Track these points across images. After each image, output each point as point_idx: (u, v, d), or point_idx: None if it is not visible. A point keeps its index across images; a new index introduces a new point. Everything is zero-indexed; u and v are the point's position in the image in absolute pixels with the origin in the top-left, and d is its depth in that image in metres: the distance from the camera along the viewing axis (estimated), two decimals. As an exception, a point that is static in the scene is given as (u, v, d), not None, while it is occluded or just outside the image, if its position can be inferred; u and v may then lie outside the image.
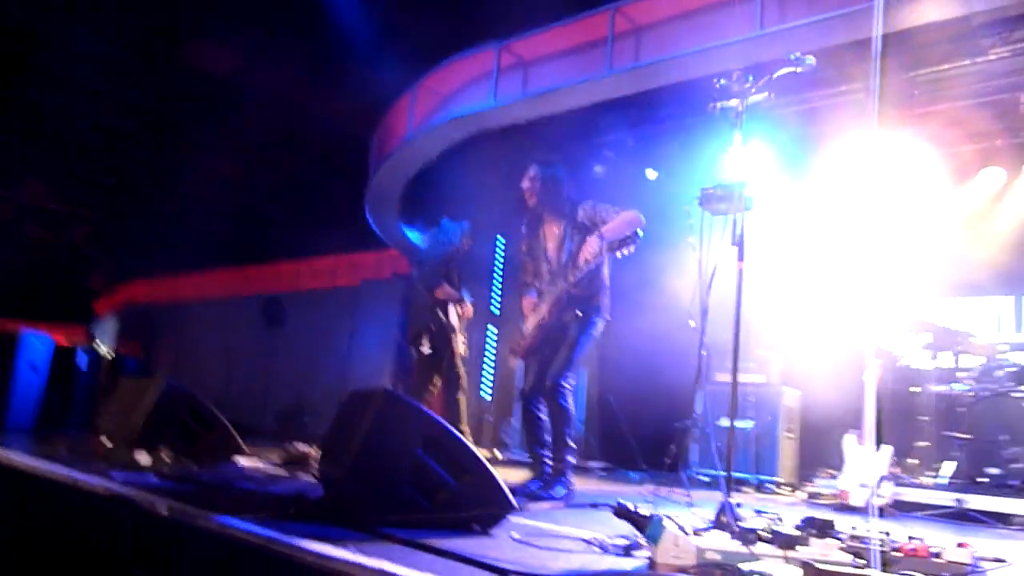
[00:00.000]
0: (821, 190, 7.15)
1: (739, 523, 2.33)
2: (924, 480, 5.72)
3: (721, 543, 2.05)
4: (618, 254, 4.04)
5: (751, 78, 2.88)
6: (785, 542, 2.03)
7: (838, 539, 2.12)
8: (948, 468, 5.70)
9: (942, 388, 6.06)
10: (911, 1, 5.20)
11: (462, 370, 5.64)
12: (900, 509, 5.14)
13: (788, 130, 7.07)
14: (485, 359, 9.00)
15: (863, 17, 5.27)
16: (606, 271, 4.15)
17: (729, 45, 5.06)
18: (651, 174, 8.23)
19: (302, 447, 4.52)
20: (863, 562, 2.06)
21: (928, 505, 5.17)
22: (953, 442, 5.66)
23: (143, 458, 3.42)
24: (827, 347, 6.40)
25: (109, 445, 3.61)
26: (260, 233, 12.96)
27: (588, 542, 2.42)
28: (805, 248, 7.36)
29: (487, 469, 2.48)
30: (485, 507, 2.46)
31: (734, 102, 2.70)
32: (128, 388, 4.06)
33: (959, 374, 5.99)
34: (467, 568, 1.84)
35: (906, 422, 6.29)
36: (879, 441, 5.24)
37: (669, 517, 2.14)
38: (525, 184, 4.33)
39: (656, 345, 7.54)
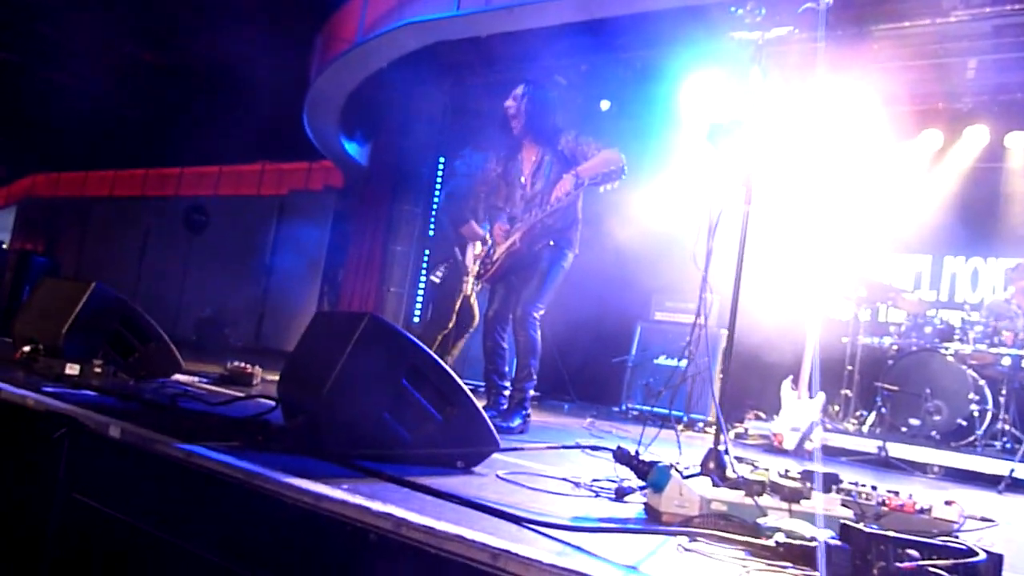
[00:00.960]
0: (772, 134, 7.14)
1: (731, 472, 2.28)
2: (848, 427, 5.98)
3: (727, 494, 1.99)
4: (601, 189, 3.89)
5: (763, 10, 2.72)
6: (789, 495, 1.98)
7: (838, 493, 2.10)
8: (871, 417, 5.97)
9: (871, 340, 6.29)
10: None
11: (476, 311, 5.52)
12: (826, 454, 5.36)
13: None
14: (420, 282, 8.79)
15: None
16: (579, 204, 4.00)
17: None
18: (604, 105, 8.05)
19: (241, 364, 4.27)
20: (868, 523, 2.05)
21: (852, 451, 5.40)
22: (879, 392, 5.92)
23: (72, 369, 3.11)
24: (763, 291, 6.50)
25: (29, 352, 3.26)
26: (180, 131, 12.12)
27: (576, 484, 2.34)
28: (761, 191, 7.41)
29: (473, 404, 2.34)
30: (470, 443, 2.32)
31: (755, 34, 2.54)
32: (50, 290, 3.67)
33: (889, 328, 6.24)
34: (475, 513, 1.71)
35: (833, 371, 6.53)
36: (813, 388, 5.40)
37: (673, 465, 2.07)
38: (509, 103, 4.04)
39: (597, 280, 7.53)
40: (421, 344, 2.28)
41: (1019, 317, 5.73)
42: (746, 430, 6.11)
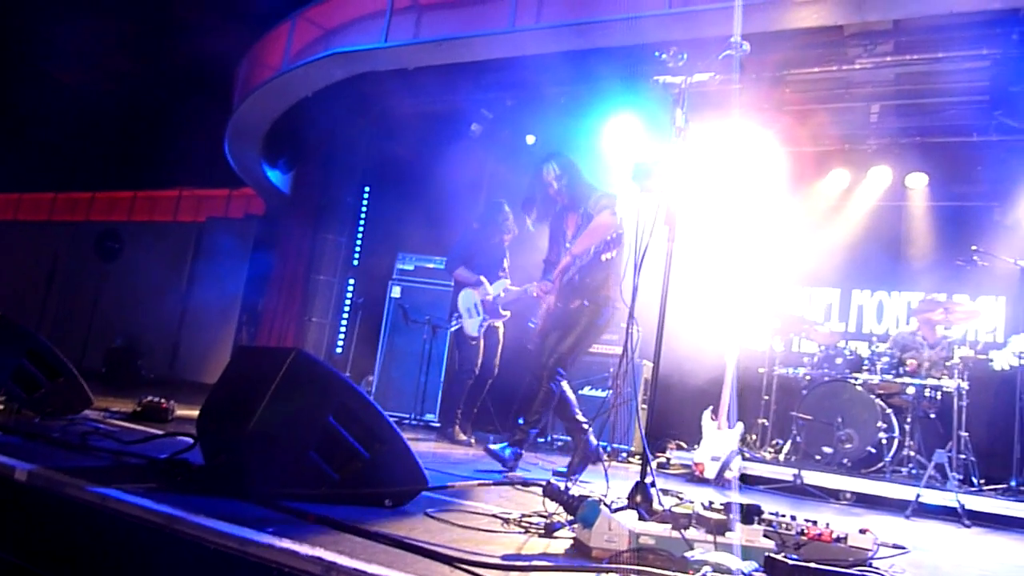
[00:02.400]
0: (697, 175, 7.40)
1: (661, 505, 2.32)
2: (766, 455, 6.16)
3: (654, 528, 2.02)
4: (603, 258, 4.01)
5: (685, 55, 2.84)
6: (715, 527, 2.03)
7: (760, 524, 2.15)
8: (786, 445, 6.17)
9: (786, 371, 6.53)
10: (794, 5, 5.42)
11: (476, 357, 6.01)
12: (745, 482, 5.50)
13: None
14: (344, 314, 8.64)
15: (762, 9, 5.44)
16: (614, 259, 4.07)
17: (635, 19, 5.04)
18: (530, 139, 8.18)
19: (155, 399, 4.09)
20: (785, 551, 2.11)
21: (769, 479, 5.56)
22: (794, 421, 6.13)
23: (-30, 407, 2.92)
24: (683, 324, 6.67)
25: (-78, 388, 3.05)
26: (93, 154, 11.65)
27: (506, 520, 2.33)
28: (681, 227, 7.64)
29: (402, 441, 2.31)
30: (399, 481, 2.29)
31: (679, 79, 2.64)
32: (-54, 321, 3.44)
33: (803, 359, 6.49)
34: (407, 554, 1.68)
35: (751, 400, 6.74)
36: (732, 418, 5.56)
37: (602, 500, 2.08)
38: (550, 181, 4.35)
39: (523, 312, 7.57)
40: (349, 380, 2.24)
41: (923, 348, 6.07)
42: (668, 460, 6.22)
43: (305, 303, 8.84)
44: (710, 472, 5.39)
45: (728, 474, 5.36)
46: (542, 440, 7.03)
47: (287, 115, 7.52)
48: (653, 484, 2.47)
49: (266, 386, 2.14)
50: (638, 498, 2.41)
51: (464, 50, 5.98)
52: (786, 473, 5.53)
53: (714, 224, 7.22)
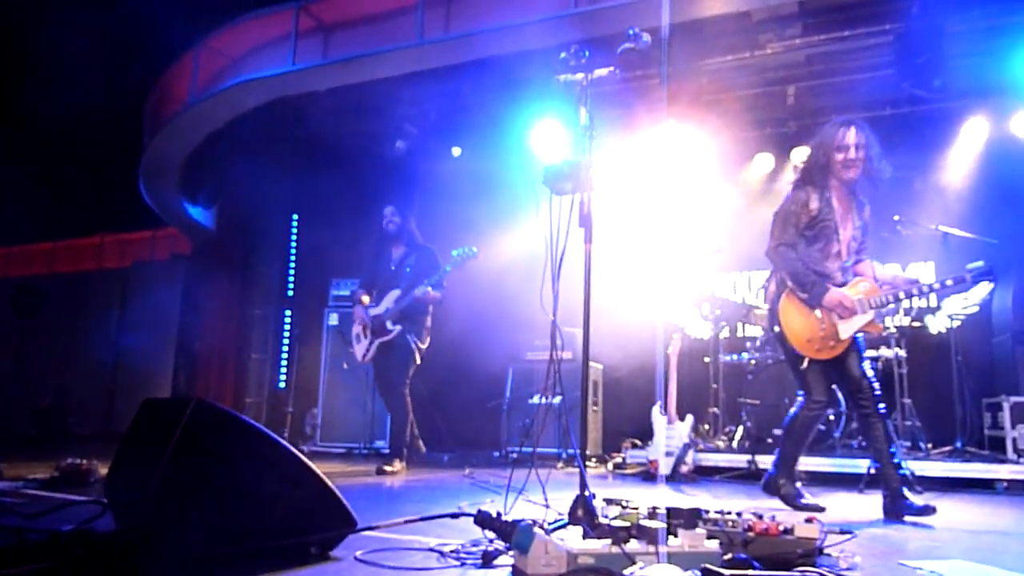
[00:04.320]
0: (622, 170, 7.42)
1: (600, 518, 2.23)
2: (718, 444, 6.16)
3: (592, 545, 1.92)
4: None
5: (587, 52, 2.77)
6: (654, 538, 1.94)
7: (703, 527, 2.08)
8: (738, 431, 6.18)
9: (731, 358, 6.55)
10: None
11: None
12: (701, 474, 5.48)
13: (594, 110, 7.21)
14: (283, 346, 8.39)
15: (670, 1, 5.45)
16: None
17: (544, 21, 4.99)
18: (456, 151, 8.09)
19: (76, 460, 3.84)
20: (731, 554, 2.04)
21: (725, 468, 5.55)
22: (742, 407, 6.14)
23: None
24: (626, 323, 6.65)
25: None
26: (6, 207, 11.12)
27: (441, 553, 2.21)
28: (606, 226, 7.63)
29: (323, 482, 2.16)
30: (324, 526, 2.15)
31: (579, 76, 2.58)
32: None
33: (747, 344, 6.52)
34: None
35: (700, 390, 6.75)
36: (681, 411, 5.53)
37: (535, 522, 1.98)
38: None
39: (467, 326, 7.46)
40: (258, 425, 2.09)
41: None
42: (624, 460, 6.17)
43: (242, 340, 8.57)
44: (665, 468, 5.35)
45: (683, 468, 5.33)
46: (497, 454, 6.91)
47: (202, 148, 7.27)
48: (594, 496, 2.38)
49: (164, 443, 1.98)
50: (580, 512, 2.31)
51: (375, 67, 5.85)
52: (740, 460, 5.53)
53: (646, 219, 7.23)
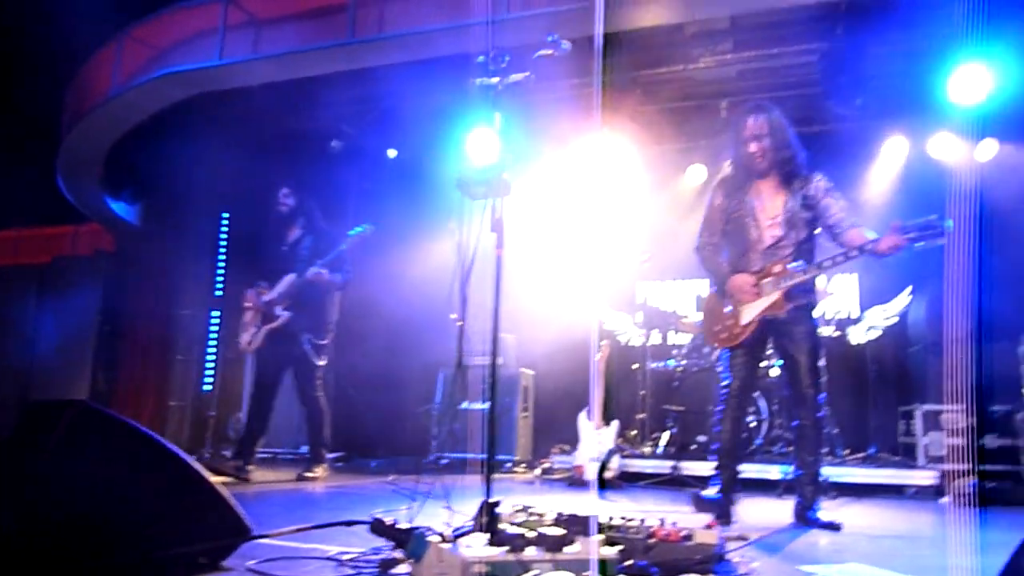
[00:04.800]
0: (554, 178, 7.47)
1: (504, 525, 2.21)
2: (645, 450, 6.23)
3: (488, 552, 1.90)
4: None
5: (507, 57, 2.77)
6: (552, 544, 1.93)
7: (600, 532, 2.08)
8: (664, 438, 6.26)
9: (658, 365, 6.64)
10: (633, 5, 5.51)
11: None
12: (626, 480, 5.53)
13: (529, 115, 7.23)
14: (210, 348, 8.16)
15: (588, 14, 5.49)
16: None
17: (474, 25, 4.97)
18: (391, 153, 8.01)
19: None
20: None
21: (650, 474, 5.60)
22: (668, 414, 6.22)
23: None
24: (557, 329, 6.68)
25: None
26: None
27: (339, 562, 2.16)
28: (537, 233, 7.68)
29: (213, 489, 2.09)
30: (214, 534, 2.07)
31: (494, 80, 2.57)
32: None
33: (673, 351, 6.62)
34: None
35: (628, 397, 6.82)
36: (607, 417, 5.57)
37: (431, 529, 1.95)
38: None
39: (398, 329, 7.39)
40: (146, 430, 2.01)
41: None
42: (551, 465, 6.18)
43: (167, 341, 8.30)
44: (590, 473, 5.38)
45: (608, 473, 5.36)
46: (426, 460, 6.85)
47: (125, 142, 7.02)
48: (499, 502, 2.36)
49: (45, 448, 1.89)
50: (484, 519, 2.28)
51: (307, 64, 5.74)
52: (665, 466, 5.60)
53: (579, 226, 7.28)
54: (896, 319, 7.47)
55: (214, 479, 2.15)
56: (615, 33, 6.11)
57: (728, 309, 3.63)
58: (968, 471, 5.70)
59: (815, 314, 3.68)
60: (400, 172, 7.64)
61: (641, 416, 6.59)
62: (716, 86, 7.31)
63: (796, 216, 3.58)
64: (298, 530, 2.37)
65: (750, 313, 3.55)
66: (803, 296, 3.58)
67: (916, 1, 5.57)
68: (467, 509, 2.93)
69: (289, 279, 5.24)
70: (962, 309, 6.45)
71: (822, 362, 3.73)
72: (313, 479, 5.25)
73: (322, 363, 5.37)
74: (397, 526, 2.05)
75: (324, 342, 5.36)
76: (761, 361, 3.85)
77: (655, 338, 7.04)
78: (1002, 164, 7.00)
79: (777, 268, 3.51)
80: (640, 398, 6.63)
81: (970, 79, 5.70)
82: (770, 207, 3.63)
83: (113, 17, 6.30)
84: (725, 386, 3.69)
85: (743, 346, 3.61)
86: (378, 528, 2.06)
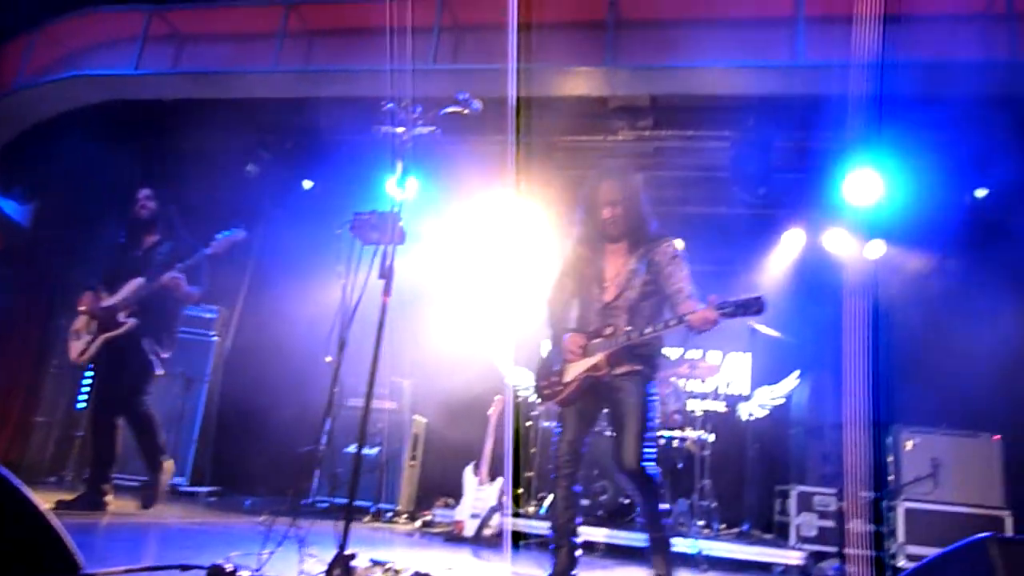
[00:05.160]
0: (467, 231, 7.53)
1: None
2: (529, 509, 6.19)
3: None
4: None
5: (420, 108, 2.81)
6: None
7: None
8: (550, 499, 6.25)
9: (551, 423, 6.65)
10: (559, 74, 5.69)
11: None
12: (505, 539, 5.47)
13: (443, 168, 7.30)
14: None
15: (529, 75, 5.64)
16: None
17: (398, 70, 5.00)
18: (307, 184, 7.90)
19: None
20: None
21: (531, 534, 5.56)
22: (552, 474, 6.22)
23: None
24: (456, 378, 6.66)
25: None
26: None
27: (172, 608, 2.04)
28: (446, 282, 7.70)
29: (43, 520, 1.95)
30: (40, 570, 1.93)
31: (400, 129, 2.58)
32: None
33: (564, 412, 6.65)
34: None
35: (520, 454, 6.80)
36: (494, 473, 5.54)
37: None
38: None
39: (290, 366, 7.18)
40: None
41: (670, 401, 6.45)
42: (433, 518, 6.07)
43: (43, 351, 7.80)
44: (469, 530, 5.31)
45: (487, 531, 5.30)
46: (306, 502, 6.61)
47: (24, 139, 6.69)
48: (356, 555, 2.29)
49: None
50: (336, 571, 2.21)
51: (226, 86, 5.65)
52: (546, 527, 5.56)
53: (485, 279, 7.33)
54: (782, 400, 7.78)
55: (49, 508, 2.01)
56: (542, 97, 6.28)
57: (556, 367, 3.60)
58: (835, 554, 5.92)
59: (650, 382, 3.53)
60: (313, 205, 7.54)
61: (529, 475, 6.57)
62: (634, 159, 7.56)
63: (636, 279, 3.55)
64: (128, 571, 2.23)
65: (573, 371, 3.51)
66: (635, 362, 3.48)
67: (819, 105, 5.93)
68: (329, 557, 2.84)
69: (137, 283, 4.80)
70: (848, 397, 6.79)
71: (654, 431, 3.54)
72: (157, 491, 4.90)
73: (160, 374, 5.04)
74: (238, 572, 1.96)
75: (166, 355, 5.00)
76: (593, 423, 3.70)
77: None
78: (889, 264, 7.48)
79: (608, 330, 3.46)
80: (530, 456, 6.62)
81: (862, 182, 6.10)
82: (613, 268, 3.62)
83: (26, 10, 6.05)
84: (555, 452, 3.59)
85: (568, 403, 3.56)
86: (214, 574, 1.96)
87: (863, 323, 6.80)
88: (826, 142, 6.51)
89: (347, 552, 2.30)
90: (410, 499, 6.82)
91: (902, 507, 5.70)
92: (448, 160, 7.38)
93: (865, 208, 6.35)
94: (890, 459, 6.02)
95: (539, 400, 3.70)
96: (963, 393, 6.28)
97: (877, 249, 7.36)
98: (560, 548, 3.46)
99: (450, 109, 2.66)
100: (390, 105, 2.67)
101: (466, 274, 7.38)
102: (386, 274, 2.44)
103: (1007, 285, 6.59)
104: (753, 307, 3.08)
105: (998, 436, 5.81)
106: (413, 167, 2.57)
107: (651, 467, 3.40)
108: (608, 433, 5.94)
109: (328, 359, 2.48)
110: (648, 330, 3.34)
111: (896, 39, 4.96)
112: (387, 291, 2.44)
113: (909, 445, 5.87)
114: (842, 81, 5.05)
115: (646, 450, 3.38)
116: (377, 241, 2.48)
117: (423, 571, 2.88)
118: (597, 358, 3.40)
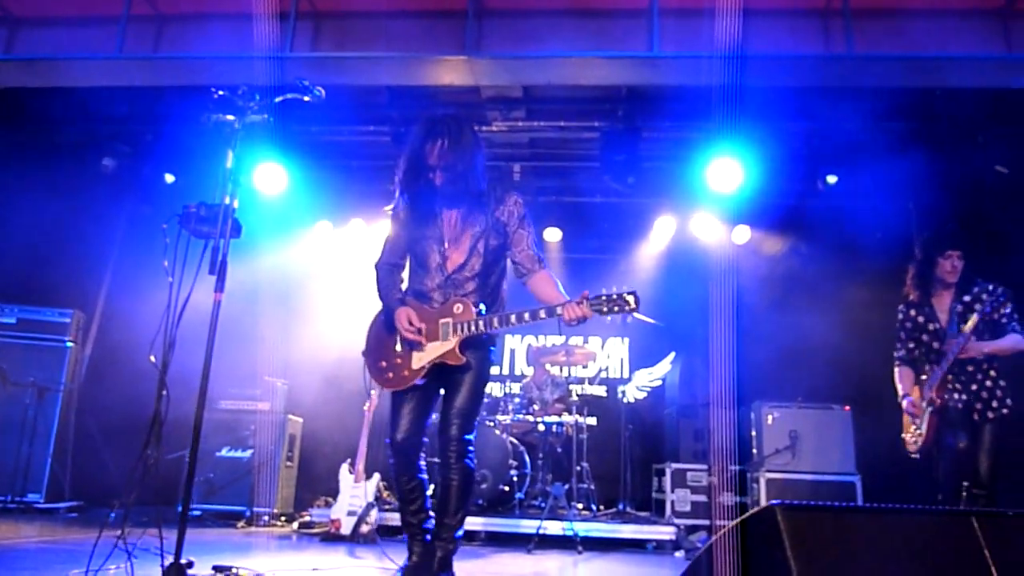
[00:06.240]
0: (333, 223, 7.39)
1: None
2: (407, 504, 6.14)
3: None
4: None
5: (258, 96, 2.70)
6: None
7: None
8: (431, 490, 6.22)
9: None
10: (431, 63, 5.63)
11: None
12: (384, 535, 5.40)
13: (318, 158, 7.12)
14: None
15: (402, 64, 5.55)
16: None
17: (266, 59, 4.82)
18: (169, 178, 7.52)
19: None
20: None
21: (407, 528, 5.51)
22: (434, 466, 6.20)
23: None
24: (332, 376, 6.52)
25: None
26: None
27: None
28: (316, 277, 7.54)
29: None
30: None
31: (231, 117, 2.47)
32: None
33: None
34: None
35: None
36: (370, 469, 5.46)
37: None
38: None
39: (154, 369, 6.81)
40: None
41: (545, 390, 6.55)
42: (311, 518, 5.93)
43: None
44: (346, 528, 5.21)
45: (364, 528, 5.22)
46: (197, 513, 6.26)
47: None
48: (191, 564, 2.19)
49: None
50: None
51: (67, 73, 5.26)
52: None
53: (357, 272, 7.23)
54: (660, 382, 8.06)
55: None
56: (414, 87, 6.21)
57: (399, 347, 3.15)
58: (706, 527, 6.20)
59: (491, 362, 3.23)
60: (176, 199, 7.18)
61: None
62: (509, 150, 7.62)
63: (481, 245, 3.15)
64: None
65: (422, 358, 3.08)
66: (484, 342, 3.18)
67: (684, 96, 6.14)
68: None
69: None
70: (714, 377, 7.10)
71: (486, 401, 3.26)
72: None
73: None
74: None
75: None
76: (434, 404, 3.23)
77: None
78: (750, 248, 7.86)
79: (458, 308, 3.07)
80: (411, 450, 6.57)
81: (724, 170, 6.36)
82: (453, 233, 3.18)
83: None
84: (391, 438, 3.14)
85: (414, 390, 3.13)
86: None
87: (728, 306, 7.13)
88: (690, 131, 6.75)
89: (183, 560, 2.19)
90: (288, 500, 6.64)
91: (764, 478, 6.02)
92: (322, 150, 7.21)
93: (728, 195, 6.63)
94: (753, 434, 6.34)
95: (380, 386, 3.19)
96: (817, 369, 6.70)
97: (742, 234, 7.72)
98: (413, 537, 3.15)
99: (288, 96, 2.57)
100: (222, 92, 2.54)
101: (338, 268, 7.24)
102: (218, 270, 2.33)
103: (852, 268, 7.07)
104: (627, 304, 2.92)
105: (848, 407, 6.22)
106: (273, 156, 2.46)
107: (472, 452, 3.09)
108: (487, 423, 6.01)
109: (151, 359, 2.34)
110: (512, 319, 3.01)
111: (749, 32, 5.18)
112: (219, 288, 2.33)
113: (770, 420, 6.20)
114: (700, 72, 5.23)
115: (471, 422, 3.09)
116: (207, 235, 2.36)
117: (264, 573, 2.80)
118: (451, 344, 3.02)
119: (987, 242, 5.42)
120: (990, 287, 4.12)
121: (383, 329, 3.25)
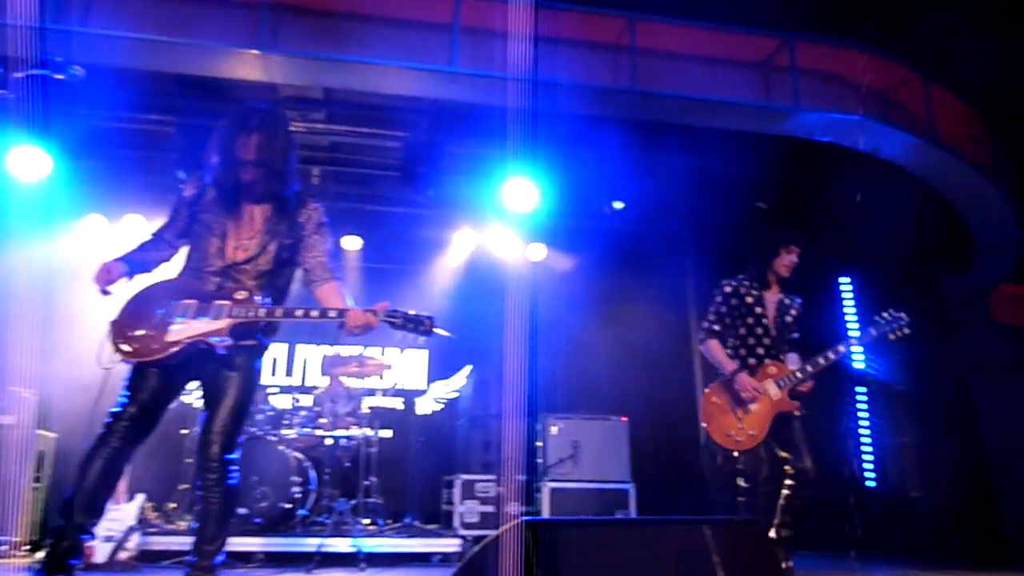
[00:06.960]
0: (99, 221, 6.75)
1: None
2: (180, 524, 5.68)
3: None
4: None
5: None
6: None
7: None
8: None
9: (187, 431, 6.16)
10: (222, 54, 5.32)
11: None
12: (148, 560, 4.95)
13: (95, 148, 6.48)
14: None
15: (160, 49, 5.19)
16: None
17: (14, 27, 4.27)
18: None
19: None
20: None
21: (176, 552, 5.09)
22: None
23: None
24: (93, 387, 5.87)
25: None
26: None
27: None
28: (87, 278, 6.80)
29: None
30: None
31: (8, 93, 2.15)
32: None
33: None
34: None
35: (176, 465, 6.22)
36: (133, 490, 4.99)
37: None
38: None
39: None
40: None
41: (338, 402, 6.36)
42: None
43: None
44: (101, 555, 4.71)
45: (123, 554, 4.75)
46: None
47: None
48: None
49: None
50: None
51: None
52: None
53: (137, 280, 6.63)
54: (456, 394, 8.14)
55: None
56: (204, 77, 5.82)
57: (158, 313, 2.91)
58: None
59: (260, 359, 3.10)
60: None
61: (184, 487, 6.05)
62: (307, 152, 7.36)
63: (273, 244, 3.06)
64: None
65: (183, 332, 2.86)
66: (254, 335, 3.03)
67: (483, 114, 6.26)
68: None
69: None
70: (507, 389, 7.27)
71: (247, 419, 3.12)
72: None
73: None
74: None
75: None
76: (173, 395, 3.02)
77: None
78: (544, 266, 8.18)
79: (240, 295, 2.93)
80: (185, 466, 6.10)
81: (519, 190, 6.56)
82: (249, 228, 3.07)
83: None
84: (115, 412, 2.91)
85: (158, 367, 2.90)
86: None
87: (522, 321, 7.35)
88: (488, 149, 6.90)
89: None
90: (35, 526, 5.88)
91: (547, 487, 6.25)
92: (94, 137, 6.55)
93: (523, 214, 6.84)
94: (539, 444, 6.57)
95: (117, 353, 2.88)
96: (599, 381, 7.11)
97: (537, 252, 8.02)
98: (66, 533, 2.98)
99: (31, 72, 2.28)
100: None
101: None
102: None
103: (633, 287, 7.60)
104: (422, 326, 2.90)
105: (625, 417, 6.64)
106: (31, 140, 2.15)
107: (234, 472, 2.93)
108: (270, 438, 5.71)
109: None
110: (299, 313, 2.89)
111: (544, 59, 5.39)
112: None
113: (554, 430, 6.46)
114: (495, 93, 5.37)
115: (231, 457, 2.93)
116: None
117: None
118: (221, 323, 2.83)
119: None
120: (797, 300, 4.36)
121: (146, 303, 2.97)
